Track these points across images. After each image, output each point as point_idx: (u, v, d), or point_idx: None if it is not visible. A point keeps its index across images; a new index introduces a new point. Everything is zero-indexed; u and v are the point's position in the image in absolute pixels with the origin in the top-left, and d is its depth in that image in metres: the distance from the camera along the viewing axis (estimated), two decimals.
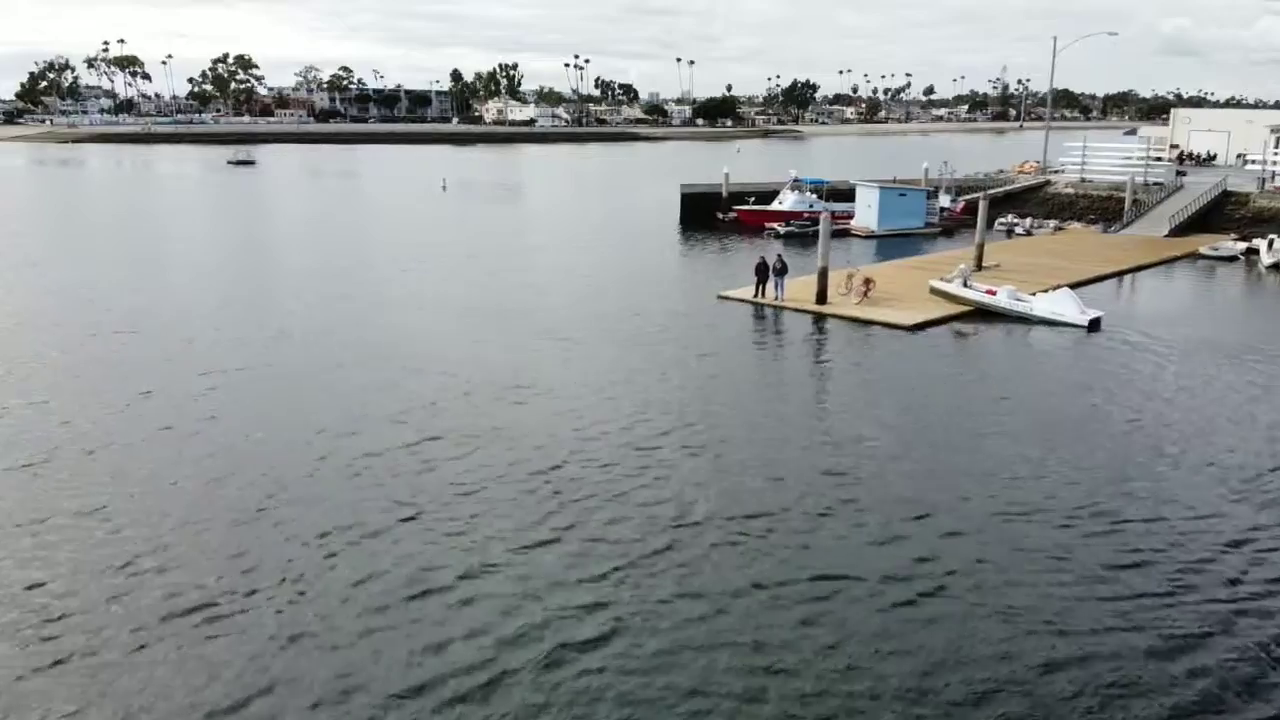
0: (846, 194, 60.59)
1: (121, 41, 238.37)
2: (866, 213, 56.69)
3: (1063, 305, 32.07)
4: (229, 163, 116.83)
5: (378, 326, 31.91)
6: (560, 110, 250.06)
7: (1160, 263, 45.40)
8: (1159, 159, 67.83)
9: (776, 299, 35.19)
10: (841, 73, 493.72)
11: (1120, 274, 42.45)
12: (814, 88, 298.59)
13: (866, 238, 54.67)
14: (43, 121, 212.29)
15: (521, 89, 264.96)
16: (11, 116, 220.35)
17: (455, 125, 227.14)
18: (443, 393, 24.08)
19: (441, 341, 29.88)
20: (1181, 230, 53.13)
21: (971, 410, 23.41)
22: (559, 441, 20.58)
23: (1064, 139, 77.37)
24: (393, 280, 40.88)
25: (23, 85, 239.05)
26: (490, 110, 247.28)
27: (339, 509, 17.25)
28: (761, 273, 35.73)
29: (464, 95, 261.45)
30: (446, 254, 48.50)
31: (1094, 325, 31.58)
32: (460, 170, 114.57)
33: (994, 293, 33.52)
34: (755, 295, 35.79)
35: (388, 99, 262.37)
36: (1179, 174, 61.99)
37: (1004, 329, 31.91)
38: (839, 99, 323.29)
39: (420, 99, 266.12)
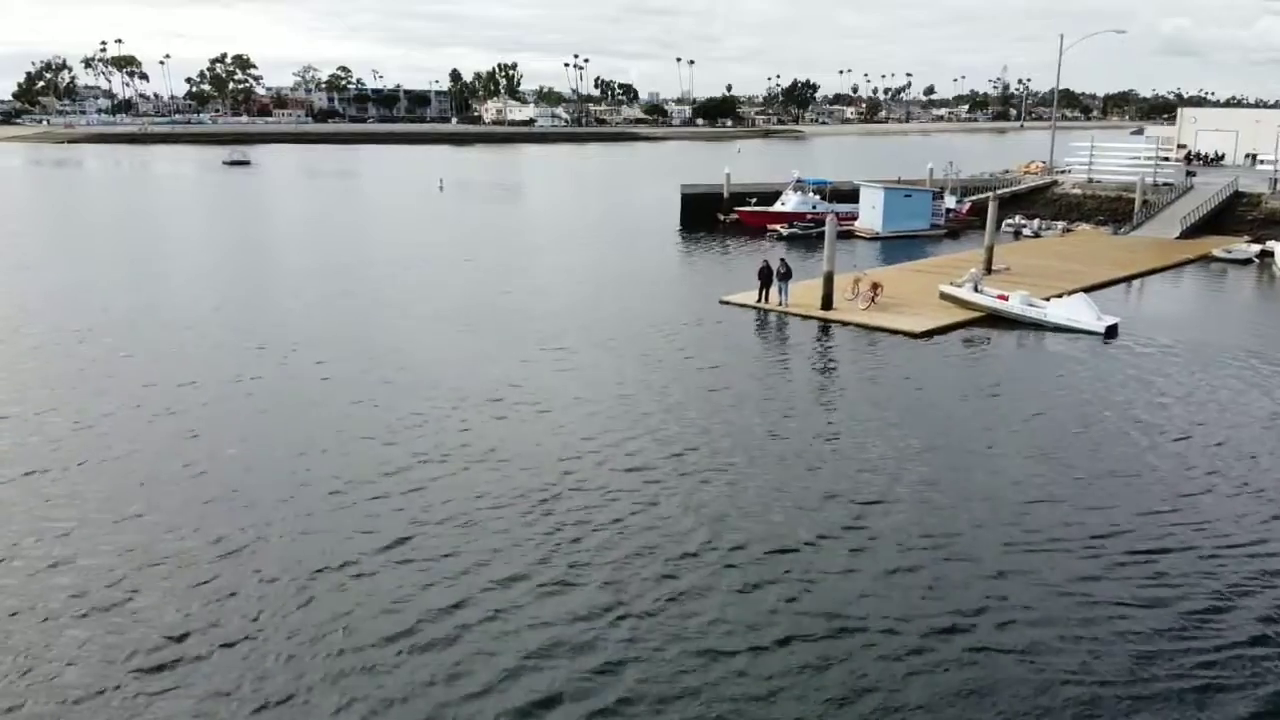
0: (850, 195, 59.42)
1: (119, 41, 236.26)
2: (871, 214, 55.58)
3: (1079, 311, 30.95)
4: (224, 163, 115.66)
5: (369, 334, 30.76)
6: (560, 110, 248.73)
7: (1173, 266, 44.27)
8: (1166, 159, 66.74)
9: (780, 304, 34.08)
10: (842, 73, 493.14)
11: (1133, 278, 41.31)
12: (814, 88, 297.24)
13: (871, 240, 53.58)
14: (39, 122, 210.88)
15: (521, 89, 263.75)
16: (9, 117, 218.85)
17: (454, 125, 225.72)
18: (434, 408, 22.92)
19: (434, 351, 28.75)
20: (1193, 232, 52.03)
21: (987, 425, 22.26)
22: (556, 466, 19.35)
23: (1067, 139, 76.46)
24: (386, 284, 39.74)
25: (20, 85, 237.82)
26: (489, 110, 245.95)
27: (318, 544, 16.04)
28: (764, 277, 34.64)
29: (463, 95, 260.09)
30: (442, 256, 47.39)
31: (1111, 332, 30.46)
32: (459, 170, 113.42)
33: (1006, 298, 32.39)
34: (758, 300, 34.70)
35: (386, 99, 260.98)
36: (1189, 174, 60.88)
37: (1017, 336, 30.79)
38: (839, 99, 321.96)
39: (419, 99, 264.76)
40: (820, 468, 19.49)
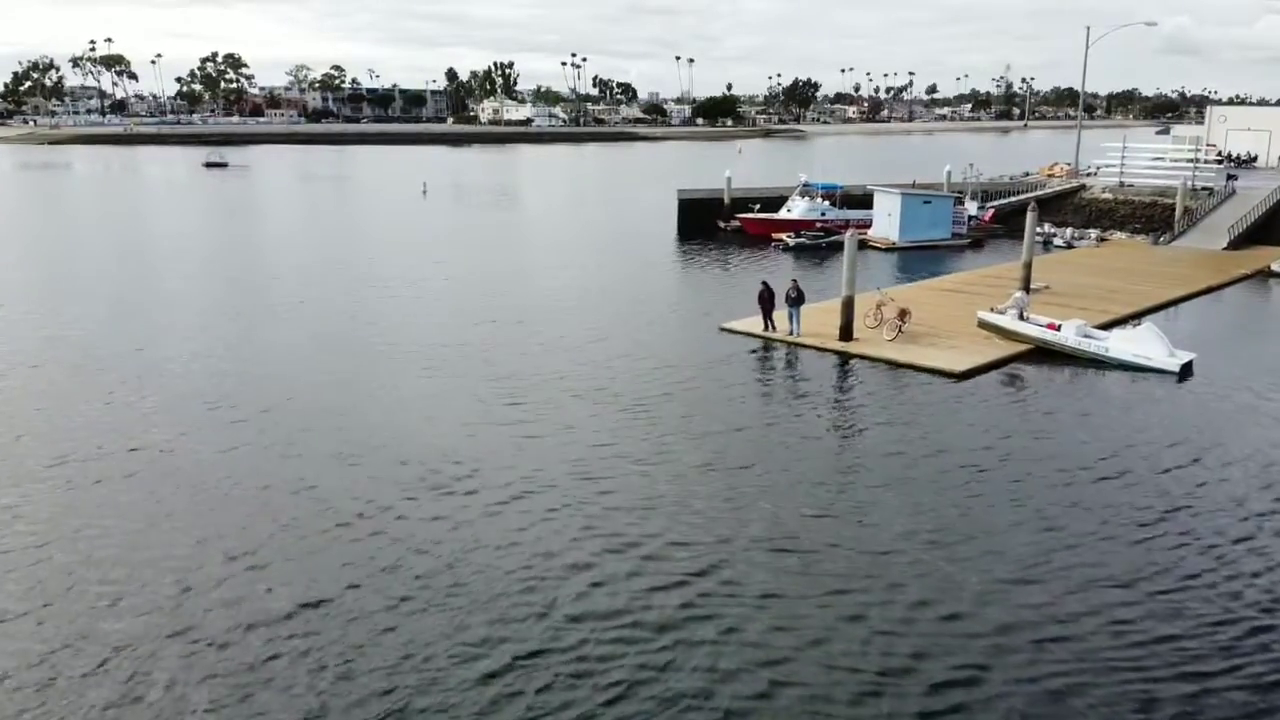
0: (862, 200, 54.60)
1: (109, 40, 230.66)
2: (886, 222, 50.68)
3: (1148, 346, 26.04)
4: (203, 165, 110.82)
5: (301, 380, 25.87)
6: (558, 110, 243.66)
7: (1230, 283, 39.34)
8: (1196, 160, 61.76)
9: (791, 333, 29.23)
10: (844, 71, 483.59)
11: (1188, 298, 36.41)
12: (816, 86, 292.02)
13: (887, 251, 48.62)
14: (26, 123, 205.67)
15: (518, 88, 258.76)
16: (2, 117, 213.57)
17: (450, 125, 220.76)
18: (370, 500, 17.76)
19: (381, 411, 23.42)
20: (1240, 242, 47.25)
21: (1067, 521, 17.34)
22: (517, 606, 14.08)
23: (1077, 138, 71.50)
24: (336, 313, 34.84)
25: (6, 85, 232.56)
26: (486, 110, 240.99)
27: None
28: (766, 302, 29.73)
29: (460, 95, 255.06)
30: (409, 277, 42.41)
31: (1185, 371, 25.61)
32: (451, 172, 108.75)
33: (1057, 327, 27.53)
34: (764, 329, 29.85)
35: (382, 98, 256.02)
36: (1229, 178, 55.93)
37: (1072, 375, 25.92)
38: (841, 98, 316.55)
39: (415, 99, 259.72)
40: (855, 587, 14.54)
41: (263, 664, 12.44)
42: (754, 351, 28.48)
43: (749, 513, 16.94)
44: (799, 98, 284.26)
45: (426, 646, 12.80)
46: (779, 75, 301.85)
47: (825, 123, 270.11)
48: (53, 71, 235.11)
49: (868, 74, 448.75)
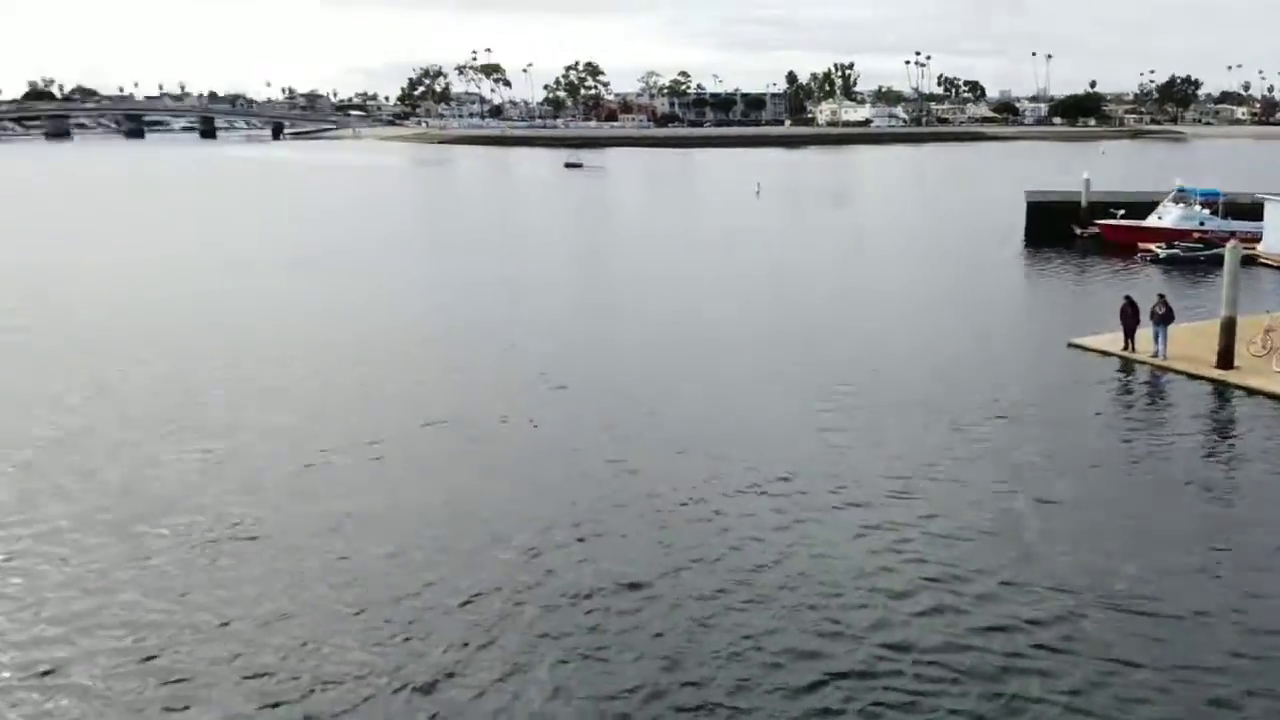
0: (1250, 210, 47.70)
1: (489, 50, 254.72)
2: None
3: None
4: (564, 165, 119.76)
5: (641, 378, 26.74)
6: (898, 110, 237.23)
7: None
8: None
9: (1155, 355, 25.98)
10: (1230, 68, 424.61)
11: None
12: (1196, 84, 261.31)
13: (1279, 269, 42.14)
14: (418, 124, 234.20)
15: (858, 89, 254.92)
16: (396, 119, 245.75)
17: (787, 128, 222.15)
18: (693, 490, 18.05)
19: (705, 405, 23.72)
20: None
21: None
22: (826, 620, 13.48)
23: None
24: (676, 313, 35.79)
25: (402, 90, 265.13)
26: (824, 111, 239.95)
27: None
28: (1129, 318, 26.61)
29: (798, 97, 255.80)
30: (741, 271, 42.72)
31: None
32: (786, 173, 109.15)
33: None
34: (1124, 348, 26.79)
35: (723, 103, 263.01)
36: None
37: None
38: (1226, 97, 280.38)
39: (755, 102, 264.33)
40: (1229, 675, 12.26)
41: (585, 635, 12.89)
42: (1109, 373, 25.60)
43: (1096, 561, 14.84)
44: (1176, 96, 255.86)
45: (736, 642, 12.61)
46: (1152, 72, 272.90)
47: (1208, 124, 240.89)
48: (441, 78, 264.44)
49: (1260, 72, 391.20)
